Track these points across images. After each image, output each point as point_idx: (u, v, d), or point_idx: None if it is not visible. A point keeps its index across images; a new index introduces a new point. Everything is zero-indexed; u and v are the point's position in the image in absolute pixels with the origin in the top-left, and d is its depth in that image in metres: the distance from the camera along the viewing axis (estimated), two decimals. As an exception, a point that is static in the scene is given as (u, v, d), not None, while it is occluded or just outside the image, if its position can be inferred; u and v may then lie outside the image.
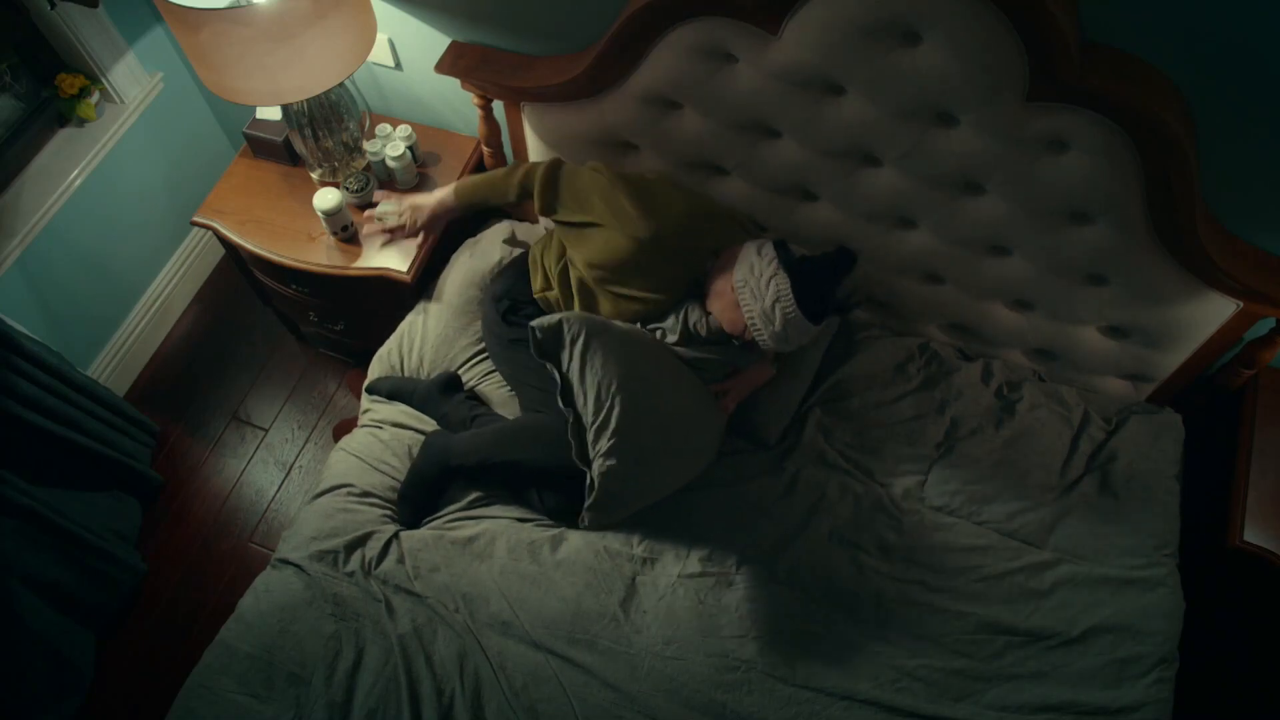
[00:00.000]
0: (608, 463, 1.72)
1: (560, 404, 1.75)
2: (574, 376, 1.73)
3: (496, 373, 2.14)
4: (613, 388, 1.71)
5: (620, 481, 1.75)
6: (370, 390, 2.17)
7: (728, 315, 1.77)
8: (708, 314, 1.83)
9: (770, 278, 1.68)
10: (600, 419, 1.72)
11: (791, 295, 1.66)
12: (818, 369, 2.12)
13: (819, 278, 1.70)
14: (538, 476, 1.94)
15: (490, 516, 1.97)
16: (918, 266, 2.07)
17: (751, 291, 1.70)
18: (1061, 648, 1.79)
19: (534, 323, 1.73)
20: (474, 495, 1.99)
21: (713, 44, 1.78)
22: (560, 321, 1.73)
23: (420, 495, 1.97)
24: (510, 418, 2.04)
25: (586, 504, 1.76)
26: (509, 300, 2.06)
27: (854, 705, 1.73)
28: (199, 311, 3.03)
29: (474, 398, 2.11)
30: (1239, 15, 1.45)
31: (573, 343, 1.72)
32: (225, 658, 1.78)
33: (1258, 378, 2.04)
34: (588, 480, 1.75)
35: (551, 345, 1.74)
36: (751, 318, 1.71)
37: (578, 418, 1.75)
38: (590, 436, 1.74)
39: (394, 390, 2.14)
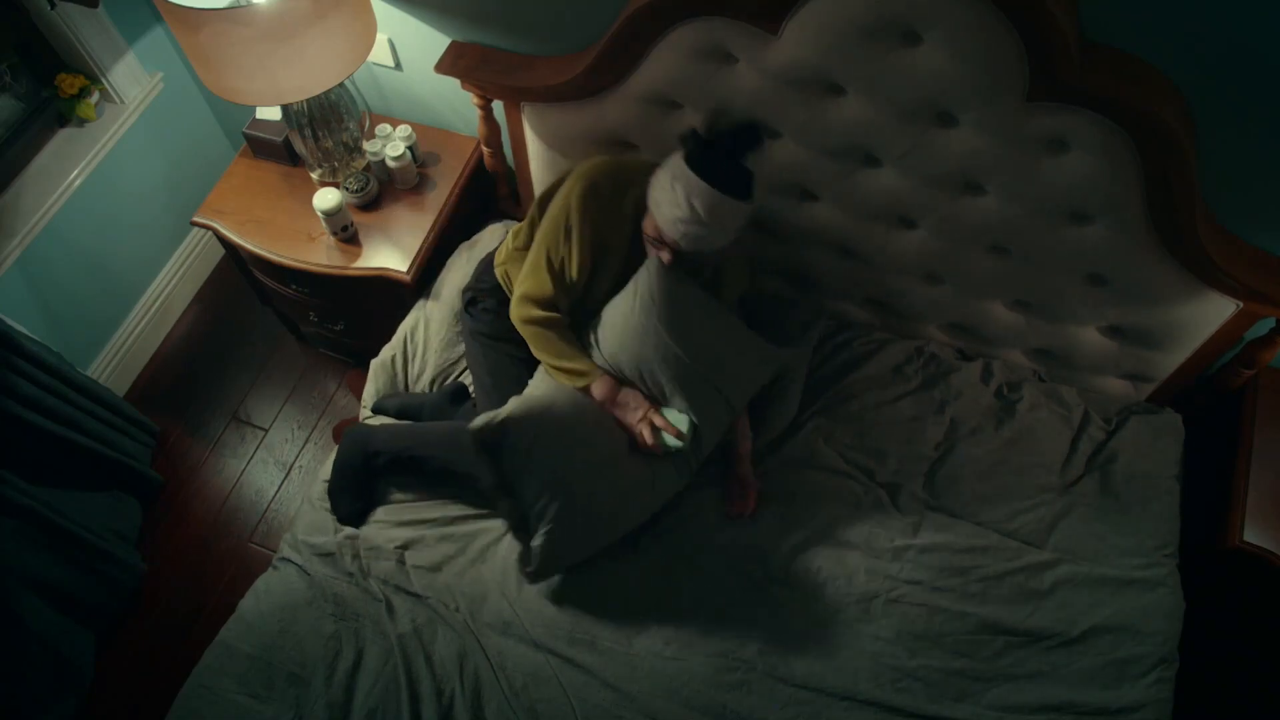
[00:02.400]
0: (543, 540, 1.76)
1: (495, 494, 1.78)
2: (514, 476, 1.75)
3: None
4: (553, 487, 1.74)
5: (558, 552, 1.79)
6: (377, 410, 2.14)
7: (650, 226, 1.74)
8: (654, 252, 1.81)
9: (666, 164, 1.69)
10: (538, 510, 1.76)
11: (684, 164, 1.64)
12: (815, 372, 2.12)
13: (716, 147, 1.65)
14: (448, 476, 1.95)
15: (490, 517, 1.97)
16: (918, 266, 2.07)
17: (655, 184, 1.69)
18: (1061, 648, 1.79)
19: (473, 425, 1.73)
20: (472, 495, 1.99)
21: (713, 44, 1.78)
22: (501, 423, 1.72)
23: (349, 485, 1.97)
24: None
25: (529, 569, 1.80)
26: (472, 292, 2.08)
27: (854, 705, 1.73)
28: (199, 311, 3.03)
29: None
30: (1239, 15, 1.45)
31: (512, 447, 1.73)
32: (225, 658, 1.79)
33: (1258, 378, 2.04)
34: (525, 547, 1.79)
35: (492, 444, 1.75)
36: (658, 205, 1.68)
37: (513, 498, 1.78)
38: (531, 518, 1.77)
39: (401, 409, 2.12)
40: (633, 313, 1.82)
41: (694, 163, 1.63)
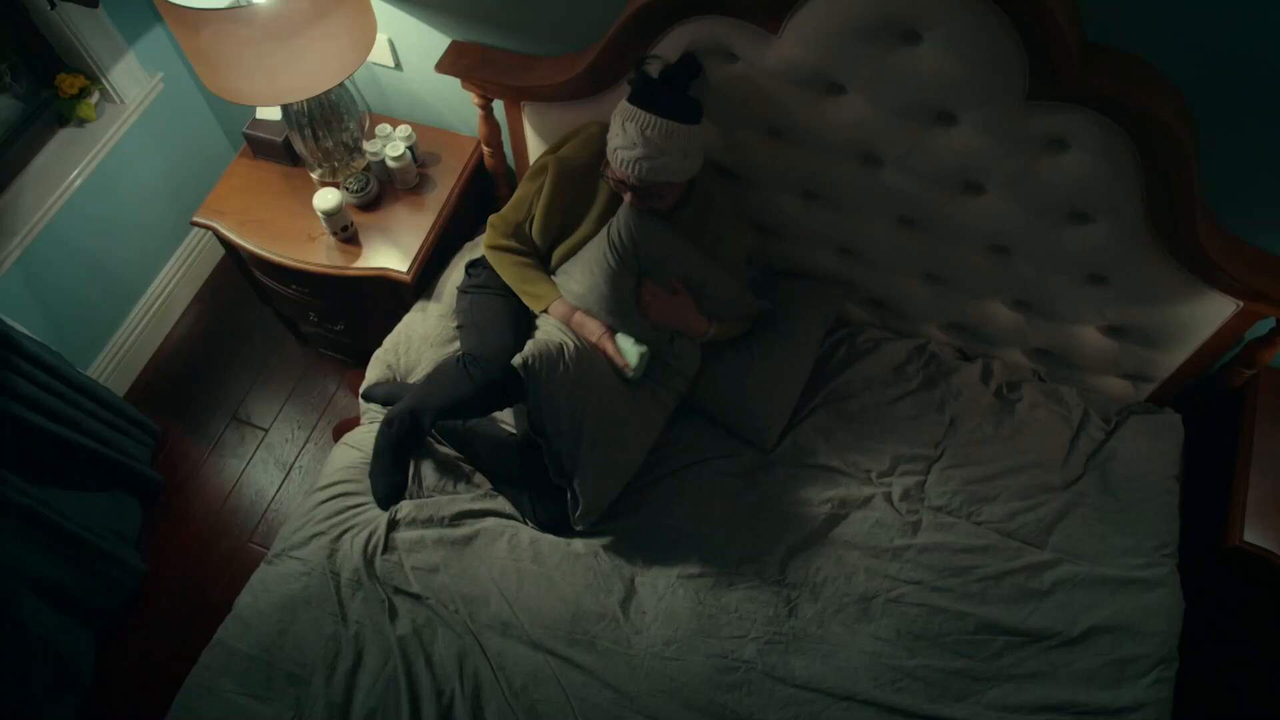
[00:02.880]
0: (581, 478, 1.86)
1: (530, 431, 1.86)
2: (545, 418, 1.84)
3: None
4: (575, 423, 1.85)
5: (599, 487, 1.90)
6: (366, 397, 2.15)
7: (609, 171, 1.84)
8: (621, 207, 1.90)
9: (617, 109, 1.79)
10: (569, 452, 1.85)
11: (625, 101, 1.75)
12: (815, 371, 2.12)
13: (657, 81, 1.75)
14: (455, 412, 2.00)
15: (490, 514, 1.97)
16: (917, 266, 2.07)
17: (609, 130, 1.79)
18: (1061, 648, 1.79)
19: (516, 361, 1.83)
20: (472, 495, 1.99)
21: (713, 43, 1.78)
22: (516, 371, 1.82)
23: (382, 467, 1.98)
24: (509, 427, 2.05)
25: (576, 514, 1.88)
26: (475, 262, 2.17)
27: (854, 705, 1.73)
28: (199, 311, 3.03)
29: None
30: (1239, 15, 1.45)
31: (534, 391, 1.83)
32: (225, 658, 1.78)
33: (1258, 378, 2.04)
34: (569, 494, 1.89)
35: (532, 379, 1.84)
36: (609, 145, 1.79)
37: (549, 439, 1.86)
38: (565, 463, 1.87)
39: (389, 397, 2.13)
40: (601, 256, 1.91)
41: (635, 98, 1.74)
